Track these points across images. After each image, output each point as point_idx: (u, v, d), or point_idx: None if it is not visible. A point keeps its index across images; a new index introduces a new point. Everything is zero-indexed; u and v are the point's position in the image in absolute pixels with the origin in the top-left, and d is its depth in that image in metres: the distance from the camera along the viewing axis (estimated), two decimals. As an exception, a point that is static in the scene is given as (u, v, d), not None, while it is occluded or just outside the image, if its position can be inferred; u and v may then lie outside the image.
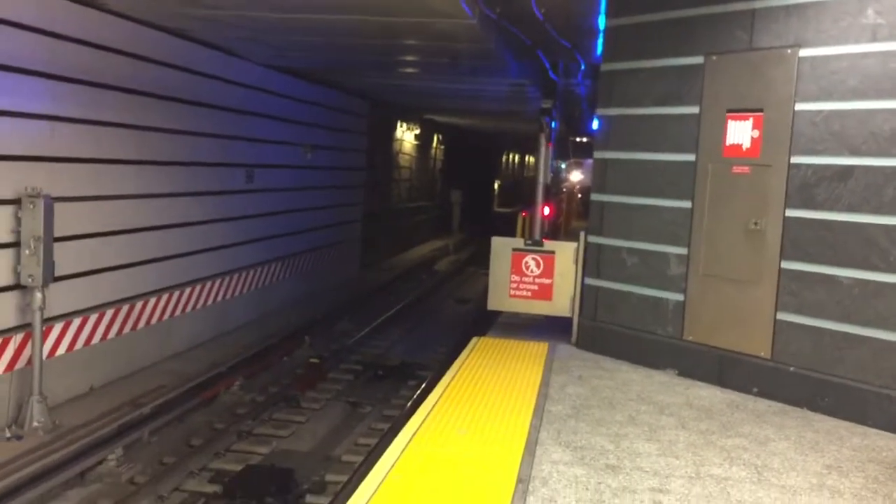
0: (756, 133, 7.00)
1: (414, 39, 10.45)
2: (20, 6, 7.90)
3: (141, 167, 10.15)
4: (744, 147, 7.10)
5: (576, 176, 32.03)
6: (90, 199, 9.18)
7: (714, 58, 7.31)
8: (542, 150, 11.06)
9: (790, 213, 6.77)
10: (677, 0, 7.57)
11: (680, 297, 7.64)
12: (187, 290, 11.47)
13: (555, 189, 19.50)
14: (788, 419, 6.40)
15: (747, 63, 7.07)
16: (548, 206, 11.71)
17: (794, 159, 6.73)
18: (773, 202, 6.88)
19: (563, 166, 33.60)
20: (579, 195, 30.98)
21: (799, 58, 6.68)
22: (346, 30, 9.83)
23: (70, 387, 8.94)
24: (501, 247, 9.15)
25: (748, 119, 7.05)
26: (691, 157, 7.51)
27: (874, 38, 6.26)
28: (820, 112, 6.57)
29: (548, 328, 9.32)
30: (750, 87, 7.05)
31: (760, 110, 6.97)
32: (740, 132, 7.11)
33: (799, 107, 6.70)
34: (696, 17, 7.45)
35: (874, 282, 6.26)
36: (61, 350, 8.80)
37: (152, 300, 10.54)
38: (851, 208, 6.40)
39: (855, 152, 6.37)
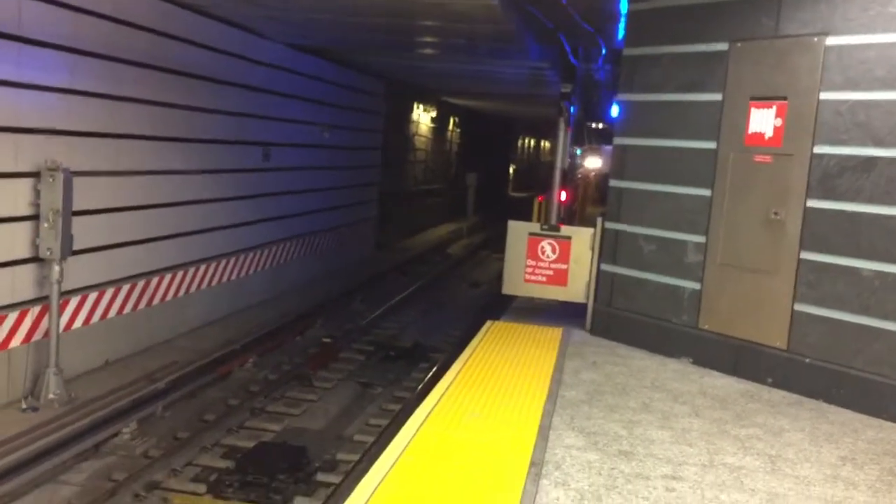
0: (779, 122, 6.93)
1: (433, 20, 10.37)
2: (42, -21, 7.90)
3: (159, 143, 10.16)
4: (766, 136, 7.02)
5: (592, 162, 31.82)
6: (108, 173, 9.20)
7: (739, 44, 7.23)
8: (561, 134, 11.01)
9: (811, 203, 6.71)
10: (702, -15, 7.48)
11: (697, 285, 7.60)
12: (203, 267, 11.51)
13: (571, 175, 19.41)
14: (803, 410, 6.37)
15: (772, 50, 6.98)
16: (564, 191, 11.66)
17: (817, 149, 6.66)
18: (795, 192, 6.81)
19: (579, 152, 33.42)
20: (595, 179, 30.81)
21: (825, 46, 6.59)
22: (364, 9, 9.77)
23: (86, 360, 9.01)
24: (517, 231, 9.12)
25: (771, 107, 6.98)
26: (712, 145, 7.44)
27: (903, 28, 6.16)
28: (845, 102, 6.48)
29: (562, 314, 9.30)
30: (774, 74, 6.97)
31: (784, 98, 6.89)
32: (763, 120, 7.03)
33: (824, 96, 6.62)
34: (722, 3, 7.36)
35: (895, 274, 6.20)
36: (78, 323, 8.86)
37: (168, 276, 10.58)
38: (874, 200, 6.33)
39: (879, 143, 6.29)
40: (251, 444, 7.99)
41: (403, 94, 22.03)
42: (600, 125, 23.59)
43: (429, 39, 12.40)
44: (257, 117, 12.89)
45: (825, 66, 6.61)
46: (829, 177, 6.60)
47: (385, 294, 15.36)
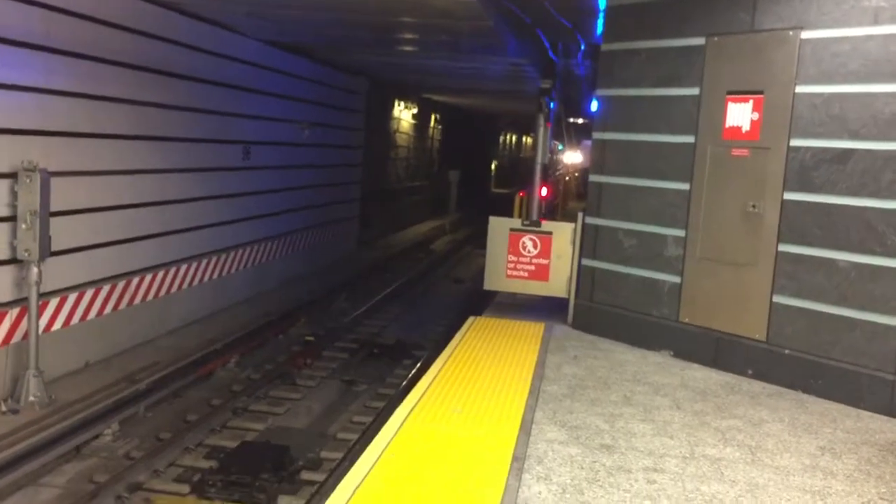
0: (756, 115, 6.98)
1: (412, 17, 10.36)
2: (16, -22, 7.83)
3: (138, 142, 10.09)
4: (743, 129, 7.08)
5: (571, 157, 31.83)
6: (86, 173, 9.13)
7: (715, 39, 7.28)
8: (541, 130, 11.03)
9: (788, 196, 6.77)
10: (679, -20, 7.52)
11: (677, 279, 7.65)
12: (184, 267, 11.45)
13: (551, 171, 19.47)
14: (783, 401, 6.44)
15: (749, 45, 7.03)
16: (545, 186, 11.69)
17: (794, 142, 6.72)
18: (772, 185, 6.87)
19: (561, 147, 33.51)
20: (576, 174, 30.94)
21: (801, 40, 6.65)
22: (343, 5, 9.75)
23: (66, 362, 8.94)
24: (499, 227, 9.15)
25: (748, 101, 7.03)
26: (690, 139, 7.49)
27: (876, 21, 6.23)
28: (820, 95, 6.55)
29: (544, 308, 9.33)
30: (751, 68, 7.02)
31: (761, 92, 6.94)
32: (740, 114, 7.09)
33: (799, 89, 6.68)
34: (698, -2, 7.40)
35: (871, 265, 6.28)
36: (57, 325, 8.79)
37: (149, 276, 10.52)
38: (849, 192, 6.40)
39: (854, 136, 6.36)
40: (234, 444, 7.97)
41: (384, 91, 22.00)
42: (580, 120, 23.66)
43: (409, 36, 12.40)
44: (237, 115, 12.83)
45: (800, 60, 6.67)
46: (806, 169, 6.66)
47: (368, 291, 15.35)
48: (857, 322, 6.37)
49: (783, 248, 6.82)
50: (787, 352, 6.80)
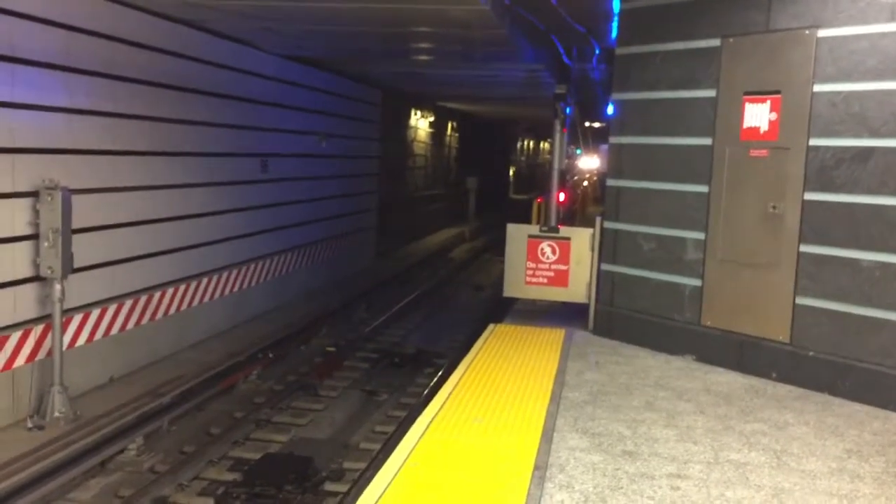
0: (774, 115, 6.93)
1: (427, 27, 10.39)
2: (37, 0, 7.93)
3: (157, 158, 10.18)
4: (761, 130, 7.02)
5: (587, 163, 31.71)
6: (107, 190, 9.22)
7: (731, 40, 7.23)
8: (557, 135, 11.01)
9: (809, 196, 6.70)
10: (693, -18, 7.49)
11: (698, 282, 7.59)
12: (204, 281, 11.52)
13: (568, 176, 19.43)
14: (808, 404, 6.36)
15: (765, 45, 6.98)
16: (563, 192, 11.66)
17: (813, 141, 6.66)
18: (792, 185, 6.80)
19: (578, 152, 33.43)
20: (594, 178, 30.85)
21: (817, 38, 6.59)
22: (357, 18, 9.79)
23: (90, 377, 9.02)
24: (517, 233, 9.13)
25: (766, 101, 6.97)
26: (708, 141, 7.44)
27: (893, 18, 6.17)
28: (839, 93, 6.48)
29: (564, 315, 9.29)
30: (767, 69, 6.97)
31: (778, 92, 6.88)
32: (758, 115, 7.03)
33: (817, 88, 6.61)
34: (713, 0, 7.37)
35: (895, 264, 6.19)
36: (81, 341, 8.87)
37: (170, 290, 10.60)
38: (871, 190, 6.32)
39: (875, 133, 6.29)
40: (258, 456, 7.99)
41: (400, 101, 22.05)
42: (596, 124, 23.61)
43: (424, 46, 12.43)
44: (255, 129, 12.91)
45: (817, 59, 6.60)
46: (826, 169, 6.59)
47: (388, 301, 15.36)
48: (883, 322, 6.28)
49: (805, 248, 6.75)
50: (811, 354, 6.72)
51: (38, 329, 8.16)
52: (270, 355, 11.09)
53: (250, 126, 12.74)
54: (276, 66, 13.47)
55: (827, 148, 6.57)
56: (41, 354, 8.20)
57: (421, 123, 25.11)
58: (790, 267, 6.84)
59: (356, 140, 18.45)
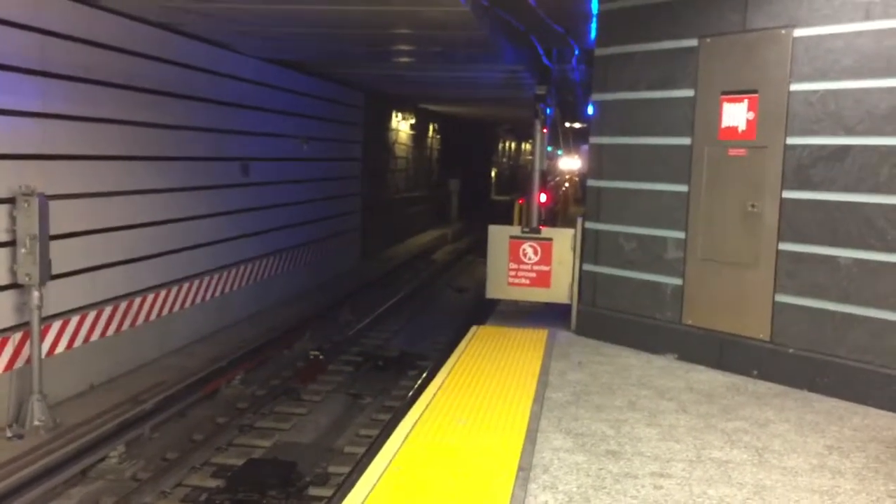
0: (751, 115, 6.98)
1: (406, 28, 10.38)
2: (11, 4, 7.84)
3: (136, 163, 10.10)
4: (739, 129, 7.07)
5: (566, 164, 31.79)
6: (85, 196, 9.14)
7: (708, 40, 7.28)
8: (538, 136, 11.03)
9: (787, 194, 6.76)
10: (670, -18, 7.53)
11: (678, 281, 7.63)
12: (186, 286, 11.45)
13: (549, 177, 19.49)
14: (789, 401, 6.40)
15: (741, 44, 7.03)
16: (544, 192, 11.68)
17: (790, 140, 6.71)
18: (770, 184, 6.86)
19: (560, 153, 33.53)
20: (576, 179, 30.98)
21: (793, 38, 6.65)
22: (335, 20, 9.76)
23: (70, 385, 8.93)
24: (499, 235, 9.14)
25: (743, 101, 7.03)
26: (687, 141, 7.48)
27: (868, 17, 6.23)
28: (815, 92, 6.54)
29: (547, 315, 9.31)
30: (744, 68, 7.02)
31: (755, 92, 6.94)
32: (735, 114, 7.08)
33: (794, 87, 6.67)
34: (690, 0, 7.40)
35: (872, 261, 6.26)
36: (60, 348, 8.78)
37: (150, 296, 10.51)
38: (848, 188, 6.38)
39: (851, 132, 6.35)
40: (241, 462, 7.94)
41: (382, 103, 22.03)
42: (577, 125, 23.69)
43: (404, 48, 12.41)
44: (235, 133, 12.85)
45: (794, 58, 6.66)
46: (804, 167, 6.65)
47: (371, 304, 15.33)
48: (860, 319, 6.34)
49: (784, 246, 6.80)
50: (791, 351, 6.77)
51: (16, 337, 8.07)
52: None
53: (231, 129, 12.68)
54: (256, 69, 13.41)
55: (804, 146, 6.63)
56: (20, 363, 8.11)
57: (403, 126, 25.09)
58: (769, 265, 6.90)
59: (338, 143, 18.41)
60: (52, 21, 8.39)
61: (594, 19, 9.57)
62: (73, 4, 8.69)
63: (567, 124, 23.13)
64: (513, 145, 52.37)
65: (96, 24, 9.11)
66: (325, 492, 7.40)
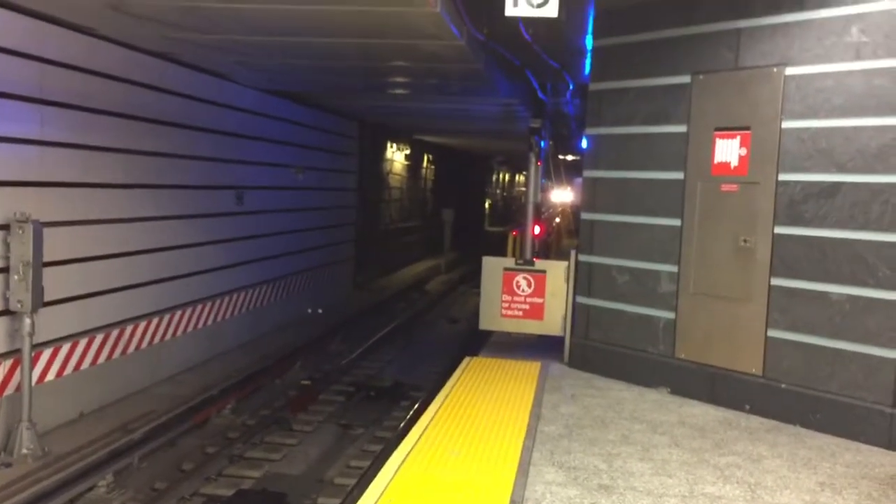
0: (744, 151, 7.05)
1: (402, 61, 10.48)
2: (9, 32, 7.91)
3: (131, 191, 10.13)
4: (732, 165, 7.14)
5: (558, 196, 31.93)
6: (81, 223, 9.14)
7: (701, 77, 7.38)
8: (532, 169, 11.10)
9: (779, 230, 6.81)
10: (664, 20, 7.65)
11: (671, 314, 7.65)
12: (178, 314, 11.41)
13: (543, 209, 19.57)
14: (781, 436, 6.40)
15: (734, 82, 7.13)
16: (538, 224, 11.73)
17: (782, 176, 6.78)
18: (762, 219, 6.91)
19: (552, 184, 33.68)
20: (569, 211, 31.10)
21: (785, 76, 6.75)
22: (332, 53, 9.87)
23: (60, 412, 8.86)
24: (492, 266, 9.16)
25: (735, 137, 7.11)
26: (680, 176, 7.55)
27: (858, 57, 6.33)
28: (807, 130, 6.62)
29: (540, 347, 9.31)
30: (737, 105, 7.11)
31: (748, 128, 7.02)
32: (728, 150, 7.16)
33: (786, 125, 6.75)
34: (683, 37, 7.52)
35: (864, 298, 6.29)
36: (50, 376, 8.72)
37: (142, 324, 10.48)
38: (839, 225, 6.44)
39: (842, 169, 6.42)
40: (230, 493, 7.87)
41: (377, 133, 22.16)
42: (570, 157, 23.83)
43: (400, 80, 12.53)
44: (230, 161, 12.90)
45: (785, 96, 6.75)
46: (795, 203, 6.71)
47: (364, 333, 15.29)
48: (852, 355, 6.37)
49: (776, 281, 6.84)
50: (783, 386, 6.78)
51: (6, 364, 8.02)
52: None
53: (226, 158, 12.73)
54: (253, 99, 13.50)
55: (796, 183, 6.70)
56: (9, 390, 8.05)
57: (397, 156, 25.22)
58: (762, 300, 6.93)
59: (333, 172, 18.49)
60: (51, 50, 8.46)
61: (589, 55, 9.70)
62: (72, 33, 8.76)
63: (560, 157, 23.27)
64: (507, 176, 52.64)
65: (96, 53, 9.18)
66: (315, 524, 7.34)
